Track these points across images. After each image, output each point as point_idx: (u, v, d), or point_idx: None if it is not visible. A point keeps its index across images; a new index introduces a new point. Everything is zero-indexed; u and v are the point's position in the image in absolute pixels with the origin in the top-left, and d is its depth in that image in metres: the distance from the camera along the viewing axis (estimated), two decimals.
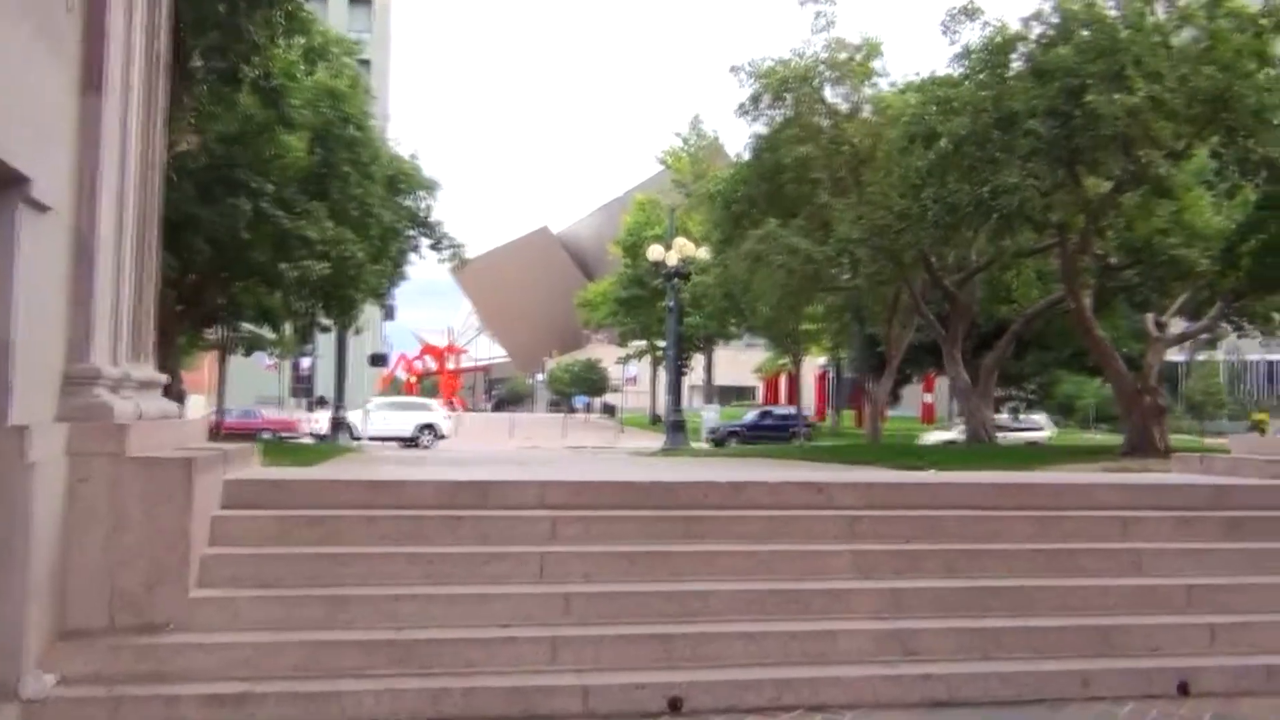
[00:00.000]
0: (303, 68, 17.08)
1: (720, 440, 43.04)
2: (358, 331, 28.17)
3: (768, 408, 52.72)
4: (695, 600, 7.76)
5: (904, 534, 8.72)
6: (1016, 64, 17.23)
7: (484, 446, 48.50)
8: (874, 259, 17.47)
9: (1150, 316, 22.04)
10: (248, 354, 32.31)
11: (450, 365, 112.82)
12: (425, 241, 21.17)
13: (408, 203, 20.21)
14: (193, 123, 14.93)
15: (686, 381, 57.55)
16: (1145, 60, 15.56)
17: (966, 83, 17.59)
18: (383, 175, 19.42)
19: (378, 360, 38.59)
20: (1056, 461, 17.06)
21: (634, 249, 61.86)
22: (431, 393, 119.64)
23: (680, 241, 33.48)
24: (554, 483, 9.06)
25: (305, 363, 75.81)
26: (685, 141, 62.60)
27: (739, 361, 75.14)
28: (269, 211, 17.20)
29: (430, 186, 21.13)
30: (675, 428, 33.55)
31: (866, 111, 20.89)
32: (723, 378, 69.73)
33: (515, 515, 8.53)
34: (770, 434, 44.77)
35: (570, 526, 8.52)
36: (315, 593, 7.41)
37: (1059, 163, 16.24)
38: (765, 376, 64.87)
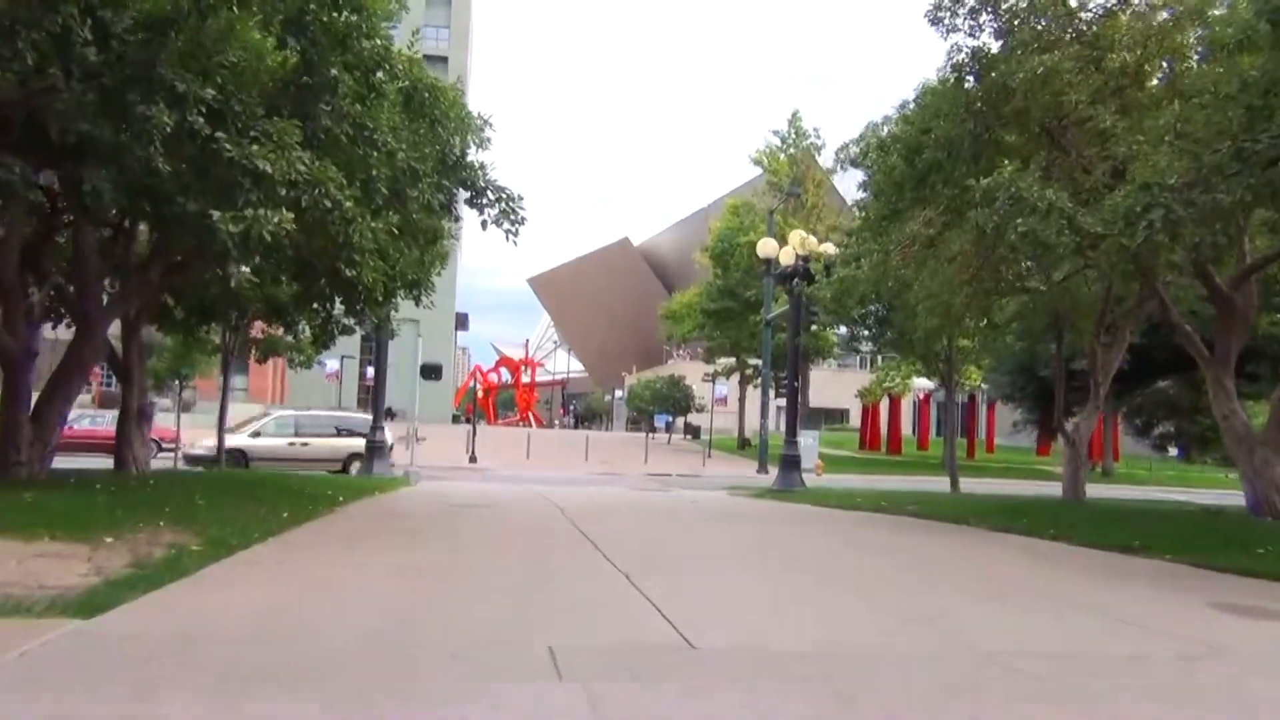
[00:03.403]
0: None
1: None
2: (393, 335, 21.19)
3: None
4: None
5: None
6: None
7: (553, 471, 41.49)
8: (1201, 220, 9.92)
9: None
10: (262, 360, 25.68)
11: (526, 379, 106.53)
12: (463, 194, 13.87)
13: (436, 131, 12.89)
14: None
15: (773, 403, 50.21)
16: None
17: None
18: (397, 91, 12.32)
19: (430, 372, 31.56)
20: None
21: (723, 257, 54.71)
22: (508, 406, 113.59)
23: (800, 235, 26.10)
24: None
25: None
26: (783, 141, 55.30)
27: (835, 382, 67.37)
28: (199, 129, 10.21)
29: (472, 125, 13.90)
30: (789, 465, 26.03)
31: (1129, 13, 13.28)
32: (816, 399, 61.92)
33: None
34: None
35: None
36: None
37: None
38: (868, 404, 56.96)
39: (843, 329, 37.40)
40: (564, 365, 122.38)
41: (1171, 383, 30.50)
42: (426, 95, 12.66)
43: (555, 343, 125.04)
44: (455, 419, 77.63)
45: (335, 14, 11.33)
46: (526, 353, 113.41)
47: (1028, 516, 15.69)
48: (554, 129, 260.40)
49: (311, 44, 11.33)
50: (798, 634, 6.35)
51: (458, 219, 15.20)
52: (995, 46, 13.82)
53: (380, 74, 11.75)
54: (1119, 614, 7.42)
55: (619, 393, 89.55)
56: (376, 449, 25.32)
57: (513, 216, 13.07)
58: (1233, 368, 15.39)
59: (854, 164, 19.64)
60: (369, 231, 11.16)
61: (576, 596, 7.37)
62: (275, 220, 10.17)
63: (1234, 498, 37.92)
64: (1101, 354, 19.26)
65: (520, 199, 13.13)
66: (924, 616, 6.98)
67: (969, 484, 28.19)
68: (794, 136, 54.90)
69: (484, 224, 13.27)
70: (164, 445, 34.26)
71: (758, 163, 56.23)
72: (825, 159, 54.82)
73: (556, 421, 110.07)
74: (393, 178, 11.97)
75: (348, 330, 19.30)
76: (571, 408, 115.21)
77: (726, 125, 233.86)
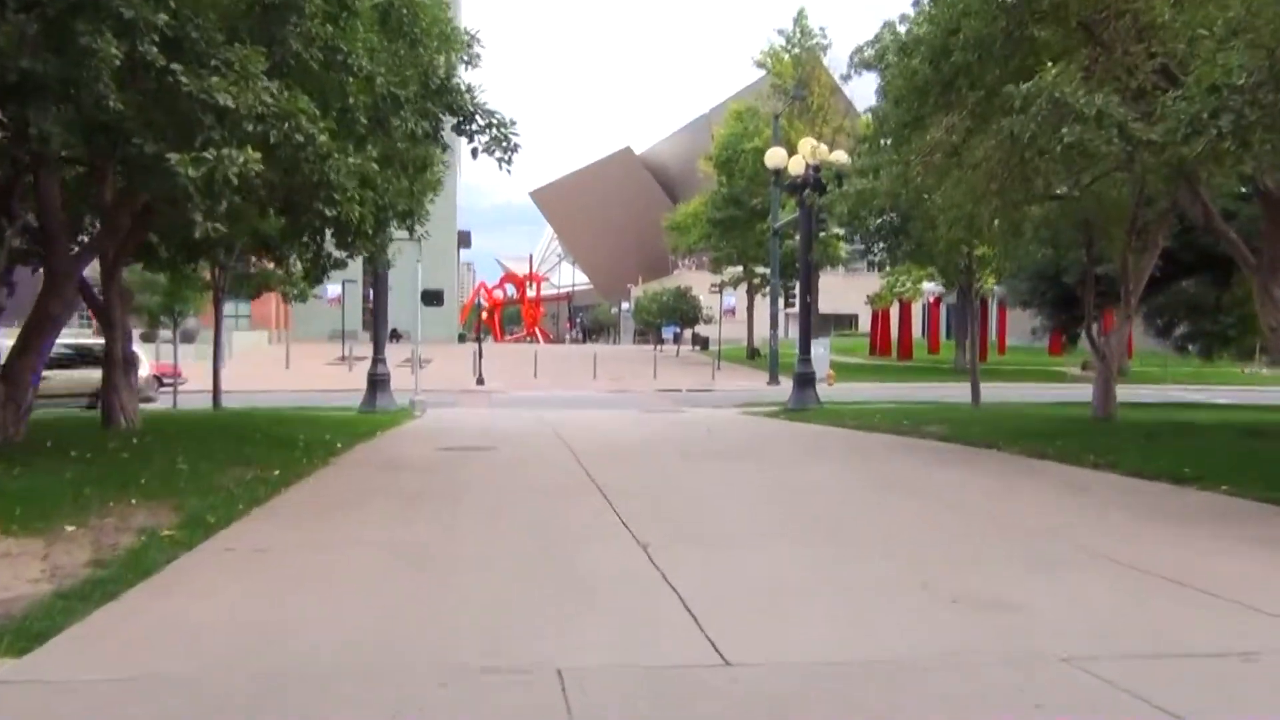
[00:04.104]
0: None
1: None
2: (389, 266, 20.15)
3: None
4: None
5: None
6: None
7: (562, 391, 40.74)
8: (1273, 124, 8.80)
9: None
10: (255, 295, 24.72)
11: (531, 294, 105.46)
12: (449, 121, 12.69)
13: (418, 52, 11.60)
14: None
15: (782, 312, 49.30)
16: None
17: None
18: (371, 8, 11.11)
19: (431, 299, 30.52)
20: None
21: (728, 165, 53.22)
22: (515, 321, 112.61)
23: (810, 143, 24.84)
24: None
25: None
26: (788, 41, 53.34)
27: (843, 288, 66.18)
28: (152, 60, 9.13)
29: (458, 41, 12.67)
30: (803, 383, 25.16)
31: None
32: (825, 305, 60.87)
33: None
34: None
35: None
36: None
37: None
38: (878, 309, 55.87)
39: (857, 239, 36.10)
40: (569, 278, 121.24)
41: (1193, 282, 29.39)
42: (405, 12, 11.44)
43: (560, 255, 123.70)
44: (461, 338, 76.87)
45: None
46: (531, 267, 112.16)
47: (1062, 439, 14.86)
48: (553, 35, 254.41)
49: None
50: (842, 636, 5.50)
51: (446, 148, 14.05)
52: None
53: None
54: (1200, 581, 6.55)
55: (625, 305, 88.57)
56: (379, 382, 24.53)
57: (505, 144, 11.93)
58: None
59: (868, 67, 18.37)
60: (347, 167, 10.09)
61: (589, 584, 6.51)
62: (241, 160, 9.13)
63: (1251, 395, 37.09)
64: (1133, 261, 18.21)
65: (512, 124, 11.98)
66: (978, 599, 6.13)
67: (986, 390, 27.10)
68: (799, 36, 52.98)
69: (474, 152, 12.15)
70: (165, 381, 33.64)
71: (761, 65, 54.37)
72: (831, 60, 53.02)
73: (566, 336, 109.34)
74: (372, 105, 10.85)
75: (340, 264, 18.27)
76: (578, 321, 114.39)
77: (728, 25, 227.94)
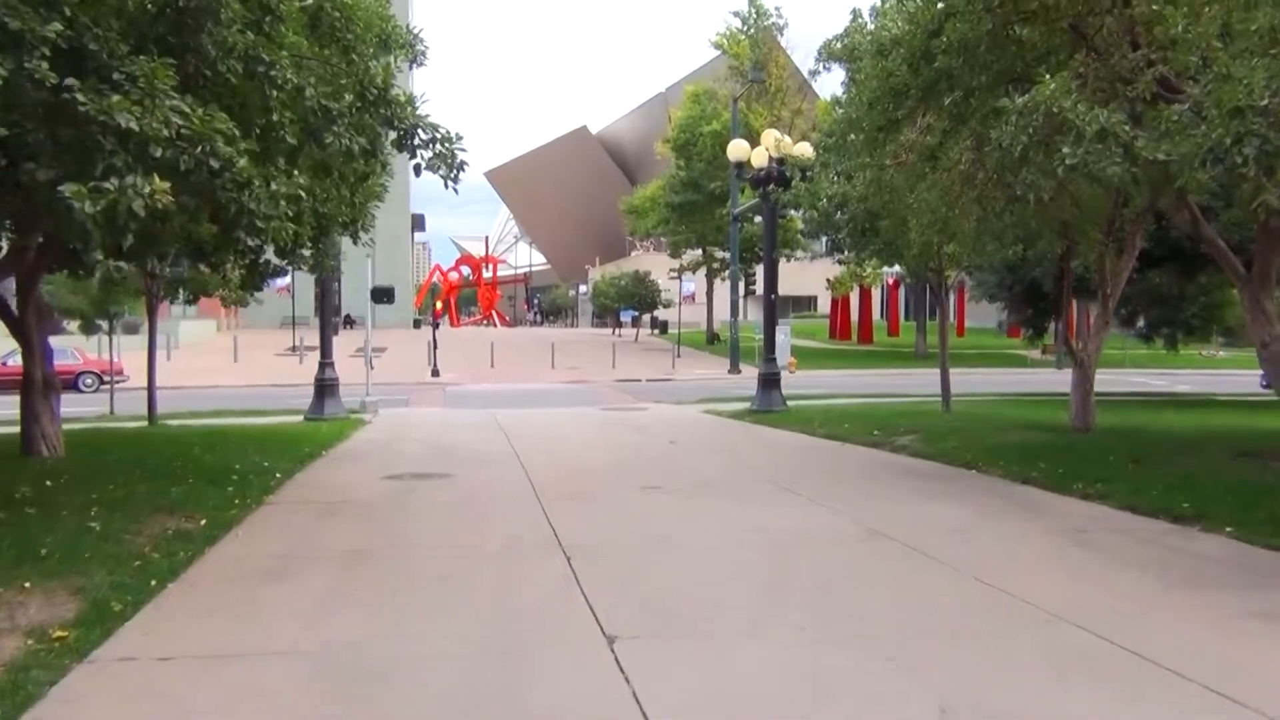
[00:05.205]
0: None
1: None
2: (332, 270, 18.97)
3: None
4: None
5: None
6: None
7: (520, 384, 39.66)
8: None
9: None
10: (192, 301, 23.36)
11: (488, 275, 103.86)
12: (389, 135, 11.51)
13: (352, 59, 10.40)
14: None
15: (742, 291, 48.49)
16: None
17: None
18: (299, 10, 9.92)
19: (381, 295, 29.26)
20: None
21: (686, 148, 52.17)
22: (471, 302, 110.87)
23: (774, 136, 23.84)
24: None
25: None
26: (744, 22, 52.24)
27: (802, 271, 65.48)
28: (42, 77, 7.94)
29: (399, 41, 11.48)
30: (769, 384, 24.28)
31: None
32: (784, 288, 60.08)
33: None
34: None
35: None
36: None
37: None
38: (838, 295, 55.16)
39: (823, 236, 35.34)
40: (526, 259, 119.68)
41: (1159, 272, 28.84)
42: (337, 14, 10.26)
43: (516, 235, 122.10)
44: (417, 323, 75.32)
45: None
46: (487, 249, 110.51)
47: (1044, 459, 14.07)
48: (505, 10, 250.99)
49: None
50: None
51: (384, 165, 12.90)
52: None
53: None
54: (1255, 694, 5.64)
55: (583, 288, 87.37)
56: (327, 387, 23.36)
57: (450, 160, 10.81)
58: (1273, 287, 13.61)
59: (838, 60, 17.43)
60: (268, 194, 8.93)
61: (545, 708, 5.49)
62: (147, 191, 7.96)
63: (1212, 381, 36.77)
64: (1111, 263, 17.43)
65: (459, 139, 10.81)
66: None
67: (950, 376, 25.99)
68: (754, 17, 51.90)
69: (417, 169, 11.01)
70: (105, 379, 32.29)
71: (718, 47, 53.26)
72: (789, 39, 52.09)
73: (528, 318, 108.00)
74: (301, 120, 9.68)
75: (280, 271, 17.09)
76: (535, 303, 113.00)
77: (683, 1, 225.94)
